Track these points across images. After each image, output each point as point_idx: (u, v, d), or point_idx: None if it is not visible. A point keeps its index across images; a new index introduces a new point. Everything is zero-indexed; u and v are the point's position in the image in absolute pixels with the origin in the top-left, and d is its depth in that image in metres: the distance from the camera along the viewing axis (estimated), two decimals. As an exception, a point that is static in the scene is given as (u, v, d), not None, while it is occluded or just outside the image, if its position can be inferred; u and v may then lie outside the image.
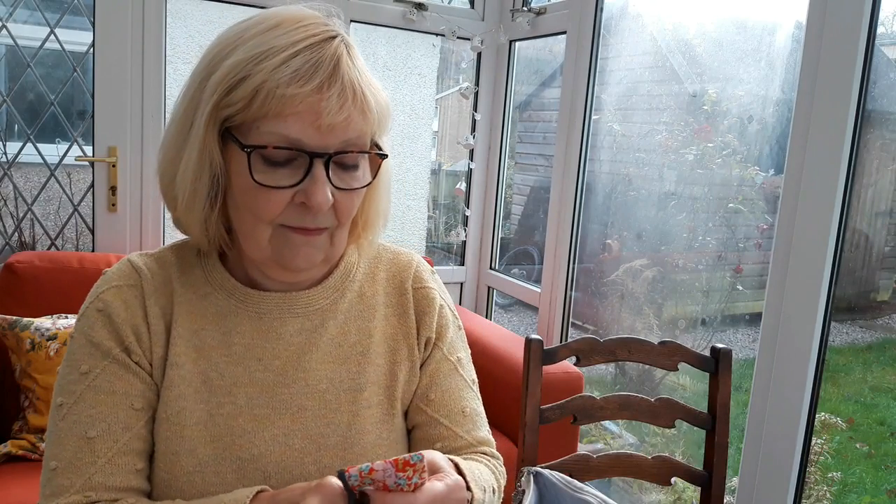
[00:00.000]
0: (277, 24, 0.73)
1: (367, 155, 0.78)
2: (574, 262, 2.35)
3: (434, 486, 0.66)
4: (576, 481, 0.77)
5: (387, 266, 0.92)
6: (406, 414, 0.89)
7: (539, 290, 2.49)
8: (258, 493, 0.72)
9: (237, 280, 0.84)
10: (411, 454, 0.63)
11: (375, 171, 0.80)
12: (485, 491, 0.78)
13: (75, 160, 2.18)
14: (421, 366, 0.89)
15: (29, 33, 2.17)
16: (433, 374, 0.89)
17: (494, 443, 0.92)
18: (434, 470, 0.68)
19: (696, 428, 1.45)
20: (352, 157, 0.75)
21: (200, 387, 0.80)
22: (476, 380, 0.94)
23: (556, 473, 0.77)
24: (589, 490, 0.77)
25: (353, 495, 0.63)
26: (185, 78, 0.79)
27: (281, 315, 0.83)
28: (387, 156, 0.80)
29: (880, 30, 1.44)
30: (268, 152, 0.72)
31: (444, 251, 3.10)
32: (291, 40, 0.72)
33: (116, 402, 0.77)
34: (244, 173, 0.73)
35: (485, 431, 0.91)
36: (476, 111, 2.74)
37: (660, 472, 1.43)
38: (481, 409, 0.93)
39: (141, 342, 0.79)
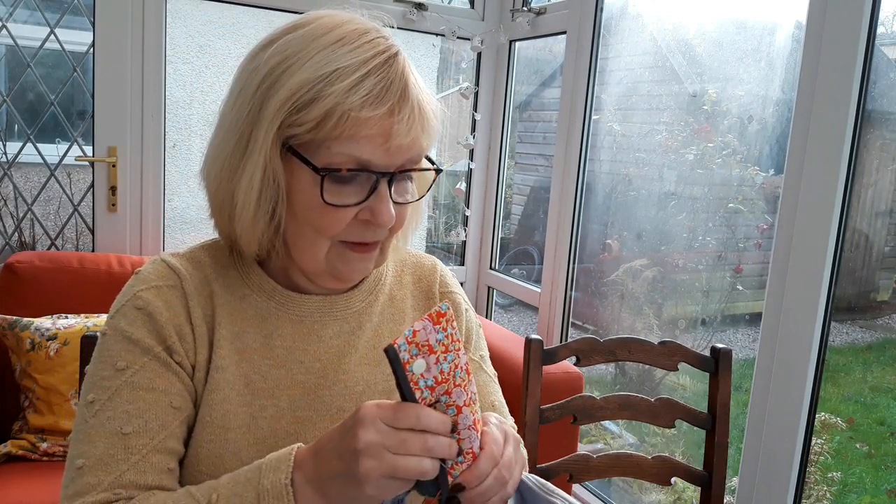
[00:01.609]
0: (340, 39, 0.73)
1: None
2: (574, 262, 2.35)
3: (490, 436, 0.67)
4: (549, 484, 0.77)
5: (412, 270, 0.94)
6: None
7: (539, 290, 2.49)
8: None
9: (276, 282, 0.84)
10: (438, 305, 0.64)
11: (428, 184, 0.82)
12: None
13: (75, 160, 2.18)
14: None
15: (29, 33, 2.17)
16: None
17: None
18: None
19: (696, 428, 1.45)
20: (410, 173, 0.77)
21: (243, 390, 0.79)
22: (496, 373, 0.98)
23: (532, 476, 0.77)
24: (559, 493, 0.77)
25: (407, 382, 0.62)
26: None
27: (321, 318, 0.84)
28: (441, 170, 0.82)
29: (880, 30, 1.44)
30: (337, 173, 0.72)
31: (444, 251, 3.11)
32: (360, 59, 0.71)
33: (156, 398, 0.75)
34: (310, 191, 0.73)
35: (511, 420, 0.95)
36: (476, 111, 2.74)
37: (660, 472, 1.43)
38: (503, 399, 0.96)
39: (184, 343, 0.78)
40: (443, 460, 0.64)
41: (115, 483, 0.71)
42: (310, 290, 0.84)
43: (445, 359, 0.63)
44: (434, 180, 0.82)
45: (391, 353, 0.61)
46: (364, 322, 0.86)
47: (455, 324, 0.64)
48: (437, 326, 0.63)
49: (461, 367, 0.65)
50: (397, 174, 0.75)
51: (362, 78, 0.71)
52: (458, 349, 0.64)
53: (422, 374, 0.62)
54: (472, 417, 0.66)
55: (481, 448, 0.66)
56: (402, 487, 0.63)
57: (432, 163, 0.81)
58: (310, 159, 0.72)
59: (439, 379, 0.63)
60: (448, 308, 0.64)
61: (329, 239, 0.76)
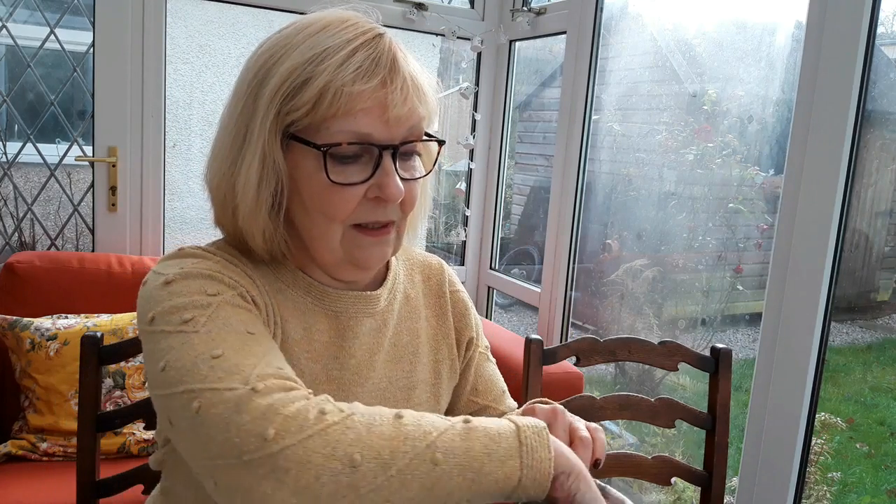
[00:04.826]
0: (325, 27, 0.75)
1: (424, 144, 0.80)
2: (574, 262, 2.35)
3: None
4: (598, 481, 0.77)
5: (420, 269, 0.96)
6: (451, 410, 0.96)
7: (539, 290, 2.49)
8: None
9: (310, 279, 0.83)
10: None
11: (433, 161, 0.83)
12: None
13: (75, 160, 2.18)
14: (465, 365, 0.96)
15: (29, 33, 2.17)
16: (477, 368, 0.97)
17: None
18: None
19: (696, 428, 1.45)
20: (413, 146, 0.78)
21: None
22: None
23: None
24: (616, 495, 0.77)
25: None
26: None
27: (356, 314, 0.84)
28: (444, 142, 0.82)
29: (880, 30, 1.44)
30: (339, 150, 0.73)
31: (444, 251, 3.10)
32: (345, 39, 0.73)
33: (255, 317, 0.71)
34: (316, 175, 0.73)
35: (514, 404, 1.01)
36: (476, 111, 2.74)
37: (660, 472, 1.43)
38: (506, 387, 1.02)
39: (258, 307, 0.74)
40: None
41: (268, 364, 0.64)
42: (338, 288, 0.84)
43: None
44: (439, 153, 0.83)
45: None
46: (388, 320, 0.87)
47: None
48: None
49: None
50: (401, 147, 0.75)
51: (351, 54, 0.72)
52: None
53: None
54: None
55: None
56: None
57: (433, 137, 0.81)
58: (313, 141, 0.73)
59: None
60: None
61: (341, 224, 0.76)
